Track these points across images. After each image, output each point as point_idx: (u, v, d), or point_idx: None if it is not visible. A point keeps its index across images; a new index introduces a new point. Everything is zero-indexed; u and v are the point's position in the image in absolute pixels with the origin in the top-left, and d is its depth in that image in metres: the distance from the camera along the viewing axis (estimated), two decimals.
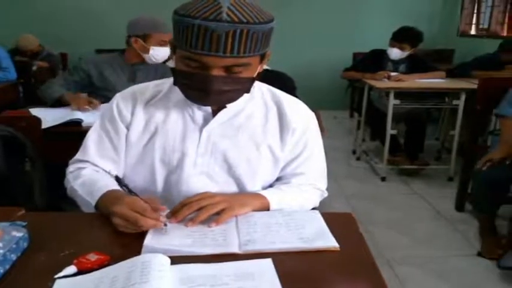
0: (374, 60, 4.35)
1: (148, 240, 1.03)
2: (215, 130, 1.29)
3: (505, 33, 5.70)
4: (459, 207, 3.38)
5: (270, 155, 1.32)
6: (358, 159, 4.59)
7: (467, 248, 2.80)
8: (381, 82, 4.00)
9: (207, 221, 1.11)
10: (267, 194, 1.26)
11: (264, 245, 1.02)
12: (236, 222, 1.13)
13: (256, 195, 1.25)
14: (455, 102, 3.88)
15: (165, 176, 1.30)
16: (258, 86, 1.35)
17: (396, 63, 4.29)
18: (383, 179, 3.99)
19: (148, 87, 1.35)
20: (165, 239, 1.04)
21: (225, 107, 1.28)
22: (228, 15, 1.07)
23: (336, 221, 1.16)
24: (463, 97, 3.81)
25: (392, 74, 4.10)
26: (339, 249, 1.02)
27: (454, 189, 3.48)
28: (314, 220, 1.16)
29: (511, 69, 4.28)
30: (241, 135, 1.30)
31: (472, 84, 3.83)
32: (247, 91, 1.25)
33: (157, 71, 2.75)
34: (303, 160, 1.36)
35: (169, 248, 0.99)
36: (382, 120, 3.97)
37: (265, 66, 1.31)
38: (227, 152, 1.28)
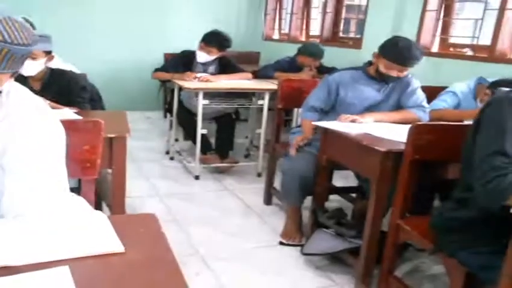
0: (184, 61, 4.39)
1: None
2: None
3: (303, 38, 6.24)
4: (267, 201, 3.59)
5: None
6: (171, 159, 4.60)
7: (276, 239, 2.98)
8: (189, 82, 4.04)
9: None
10: None
11: (48, 255, 0.95)
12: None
13: None
14: (260, 102, 4.12)
15: None
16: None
17: (205, 65, 4.38)
18: (196, 177, 4.06)
19: None
20: None
21: None
22: None
23: (139, 222, 1.15)
24: (267, 97, 4.06)
25: (200, 74, 4.18)
26: (124, 251, 1.00)
27: (262, 184, 3.69)
28: (99, 223, 1.12)
29: (306, 71, 4.70)
30: None
31: (274, 85, 4.10)
32: None
33: None
34: (13, 155, 1.21)
35: None
36: (192, 120, 4.04)
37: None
38: None
